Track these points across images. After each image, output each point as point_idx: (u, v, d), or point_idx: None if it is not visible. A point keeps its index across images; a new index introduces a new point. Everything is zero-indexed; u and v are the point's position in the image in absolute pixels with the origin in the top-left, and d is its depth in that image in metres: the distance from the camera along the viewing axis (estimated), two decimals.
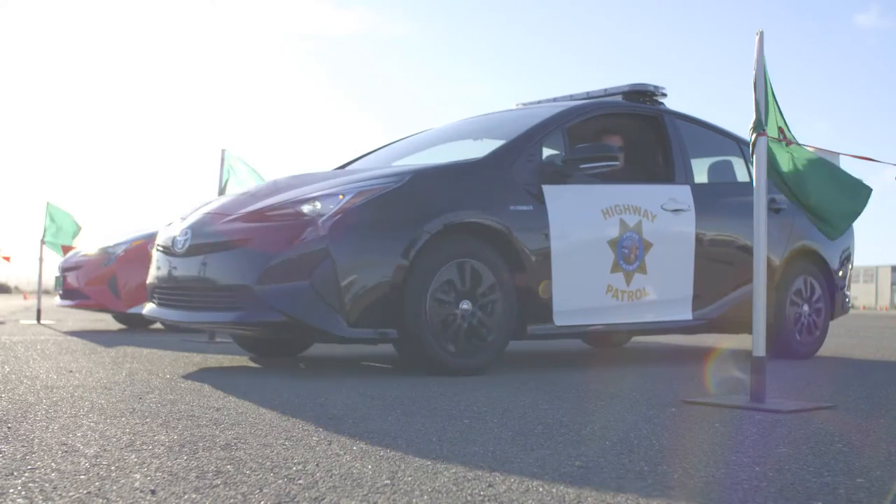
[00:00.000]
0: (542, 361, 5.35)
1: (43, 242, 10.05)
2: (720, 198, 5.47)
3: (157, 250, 4.59)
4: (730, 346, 6.73)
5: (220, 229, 4.16)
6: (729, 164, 5.87)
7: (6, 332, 7.25)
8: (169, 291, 4.39)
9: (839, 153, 3.41)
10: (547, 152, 5.03)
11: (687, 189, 5.19)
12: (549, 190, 4.52)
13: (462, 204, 4.22)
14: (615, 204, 4.76)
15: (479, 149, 4.96)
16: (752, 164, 5.73)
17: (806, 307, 5.79)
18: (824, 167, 3.38)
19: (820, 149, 3.44)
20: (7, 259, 11.83)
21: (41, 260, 10.26)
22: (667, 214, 5.00)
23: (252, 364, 4.68)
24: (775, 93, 3.34)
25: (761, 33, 3.27)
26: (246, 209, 4.21)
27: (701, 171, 5.75)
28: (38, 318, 9.71)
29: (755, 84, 3.27)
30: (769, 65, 3.32)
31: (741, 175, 5.80)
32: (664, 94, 5.64)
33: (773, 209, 5.58)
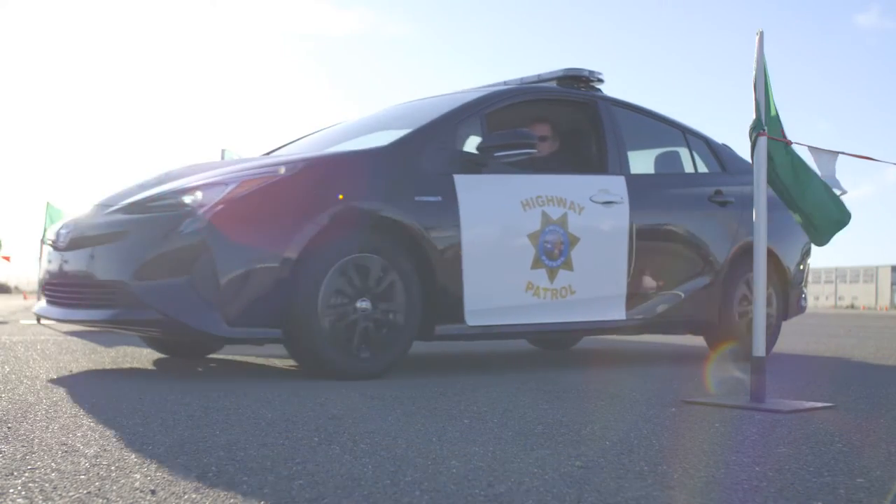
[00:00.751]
0: (543, 361, 5.35)
1: (43, 242, 10.06)
2: (659, 189, 5.19)
3: (46, 244, 4.40)
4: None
5: (99, 222, 3.93)
6: (676, 155, 5.60)
7: (6, 332, 7.25)
8: (54, 287, 4.19)
9: (838, 152, 3.40)
10: (477, 141, 4.72)
11: (621, 180, 4.89)
12: (461, 180, 4.22)
13: (361, 194, 3.93)
14: (537, 195, 4.46)
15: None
16: (695, 156, 5.50)
17: None
18: (816, 174, 3.39)
19: (819, 148, 3.44)
20: (7, 259, 11.82)
21: (41, 260, 10.26)
22: (597, 207, 4.70)
23: (252, 364, 4.68)
24: (771, 93, 3.34)
25: (761, 33, 3.27)
26: (128, 200, 3.96)
27: (647, 162, 5.56)
28: (38, 319, 9.70)
29: (755, 84, 3.27)
30: (771, 65, 3.32)
31: (689, 166, 5.57)
32: (600, 80, 5.32)
33: (718, 202, 5.36)
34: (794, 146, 3.38)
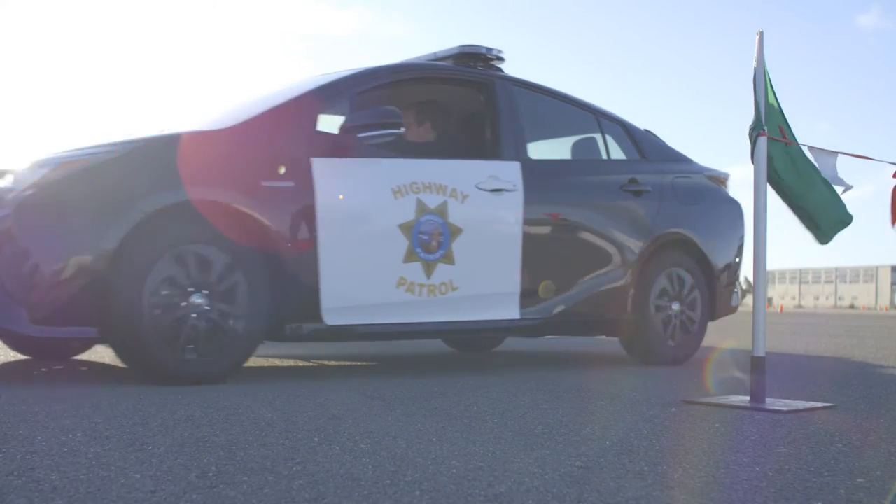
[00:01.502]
0: (543, 361, 5.35)
1: None
2: (561, 177, 4.77)
3: None
4: (730, 347, 6.73)
5: None
6: (593, 142, 5.16)
7: None
8: None
9: (837, 152, 3.40)
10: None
11: (515, 166, 4.44)
12: (320, 164, 3.84)
13: (197, 179, 3.55)
14: (411, 181, 4.05)
15: None
16: (609, 142, 5.16)
17: (676, 305, 5.00)
18: (819, 173, 3.39)
19: (817, 148, 3.44)
20: None
21: None
22: (483, 195, 4.27)
23: (251, 364, 4.68)
24: (775, 92, 3.34)
25: (761, 33, 3.27)
26: None
27: (564, 150, 5.28)
28: None
29: (755, 84, 3.27)
30: (771, 65, 3.33)
31: (603, 152, 5.16)
32: (500, 58, 4.83)
33: (633, 191, 4.93)
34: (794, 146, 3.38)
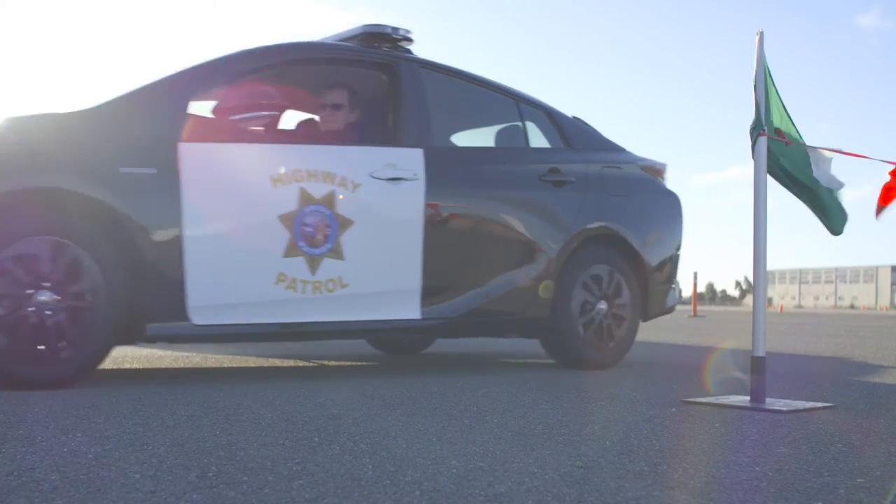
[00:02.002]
0: (542, 361, 5.35)
1: None
2: (470, 165, 4.42)
3: None
4: (730, 347, 6.73)
5: None
6: (512, 129, 4.83)
7: None
8: None
9: (834, 150, 3.40)
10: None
11: (417, 153, 4.11)
12: (188, 149, 3.55)
13: (43, 165, 3.32)
14: (294, 169, 3.75)
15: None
16: (531, 129, 4.82)
17: (603, 304, 4.63)
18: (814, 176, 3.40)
19: (816, 147, 3.44)
20: None
21: None
22: (378, 184, 3.95)
23: (252, 364, 4.68)
24: (779, 92, 3.34)
25: (761, 33, 3.27)
26: None
27: (487, 139, 4.96)
28: None
29: (755, 84, 3.27)
30: (771, 65, 3.33)
31: (523, 140, 4.82)
32: (408, 39, 4.45)
33: (553, 181, 4.57)
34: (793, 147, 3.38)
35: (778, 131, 3.33)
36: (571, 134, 4.89)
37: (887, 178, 3.45)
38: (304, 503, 1.63)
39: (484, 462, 2.05)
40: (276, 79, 4.31)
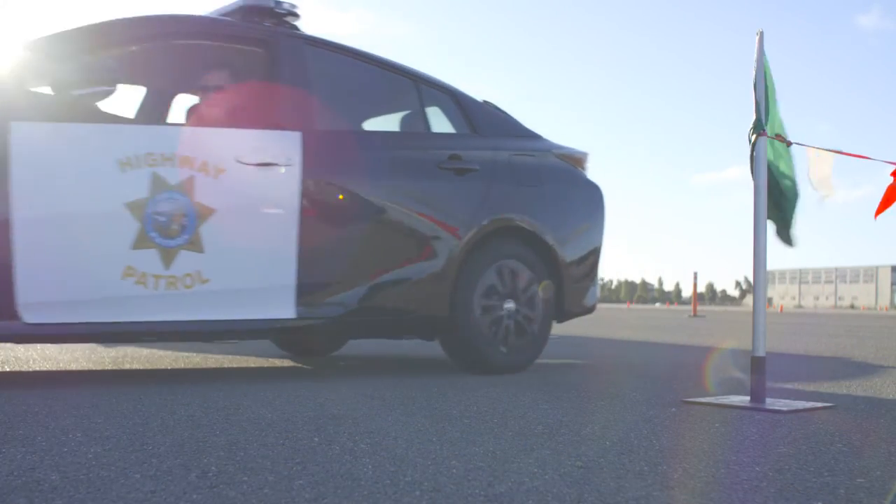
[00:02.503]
0: (542, 362, 5.35)
1: None
2: (357, 151, 4.05)
3: None
4: (730, 347, 6.73)
5: None
6: (416, 114, 4.49)
7: None
8: None
9: (835, 151, 3.40)
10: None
11: (294, 137, 3.78)
12: (21, 129, 3.24)
13: None
14: (146, 152, 3.42)
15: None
16: (433, 113, 4.45)
17: (511, 304, 4.28)
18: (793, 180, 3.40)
19: (817, 148, 3.43)
20: None
21: None
22: (245, 169, 3.63)
23: (252, 365, 4.68)
24: (773, 93, 3.34)
25: (761, 33, 3.27)
26: None
27: (383, 122, 4.72)
28: None
29: (755, 84, 3.27)
30: (773, 65, 3.33)
31: (434, 126, 4.46)
32: (293, 14, 4.13)
33: (455, 169, 4.21)
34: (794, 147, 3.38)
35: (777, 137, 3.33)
36: (479, 119, 4.54)
37: (889, 179, 3.44)
38: (304, 503, 1.63)
39: (484, 462, 2.05)
40: (143, 55, 3.97)
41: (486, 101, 4.69)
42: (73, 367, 4.26)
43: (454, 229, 4.13)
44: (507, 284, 4.28)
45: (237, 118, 4.03)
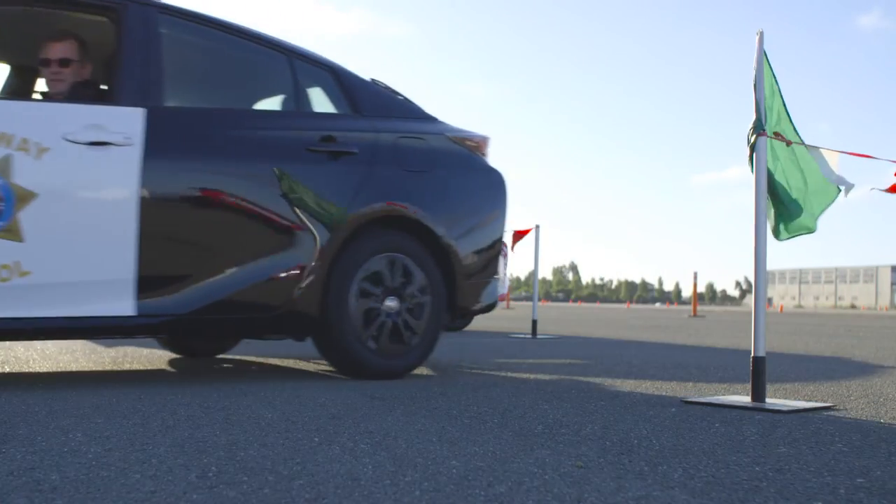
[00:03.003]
0: (542, 361, 5.35)
1: None
2: (211, 130, 3.65)
3: None
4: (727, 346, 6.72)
5: None
6: (287, 91, 4.14)
7: None
8: None
9: (838, 151, 3.40)
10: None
11: (136, 114, 3.43)
12: None
13: None
14: None
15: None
16: (308, 91, 4.09)
17: (393, 301, 3.89)
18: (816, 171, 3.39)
19: (819, 147, 3.44)
20: None
21: None
22: (75, 149, 3.28)
23: (252, 365, 4.68)
24: (782, 93, 3.35)
25: (761, 33, 3.27)
26: None
27: (250, 100, 4.34)
28: None
29: (755, 84, 3.27)
30: (773, 65, 3.33)
31: (309, 105, 4.12)
32: None
33: (329, 152, 3.83)
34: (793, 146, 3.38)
35: (777, 134, 3.33)
36: (362, 99, 4.13)
37: (891, 178, 3.45)
38: (304, 503, 1.63)
39: (484, 462, 2.05)
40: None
41: (374, 80, 4.30)
42: (73, 367, 4.26)
43: (326, 218, 3.75)
44: (389, 280, 3.90)
45: (73, 92, 3.67)
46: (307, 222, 3.72)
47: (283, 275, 3.67)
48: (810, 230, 3.38)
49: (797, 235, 3.42)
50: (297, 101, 4.08)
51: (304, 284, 3.69)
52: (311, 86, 4.13)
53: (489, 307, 4.35)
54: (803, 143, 3.39)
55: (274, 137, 3.80)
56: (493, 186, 4.38)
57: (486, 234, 4.30)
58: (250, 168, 3.65)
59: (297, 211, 3.71)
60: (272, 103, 4.25)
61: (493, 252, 4.32)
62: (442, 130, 4.31)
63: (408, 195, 4.00)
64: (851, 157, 3.49)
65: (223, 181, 3.57)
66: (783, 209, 3.35)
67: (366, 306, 3.83)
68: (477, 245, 4.23)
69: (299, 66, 4.06)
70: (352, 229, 3.81)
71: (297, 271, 3.69)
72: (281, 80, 4.11)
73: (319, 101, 4.15)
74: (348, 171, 3.86)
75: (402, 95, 4.36)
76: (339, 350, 3.81)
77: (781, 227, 3.38)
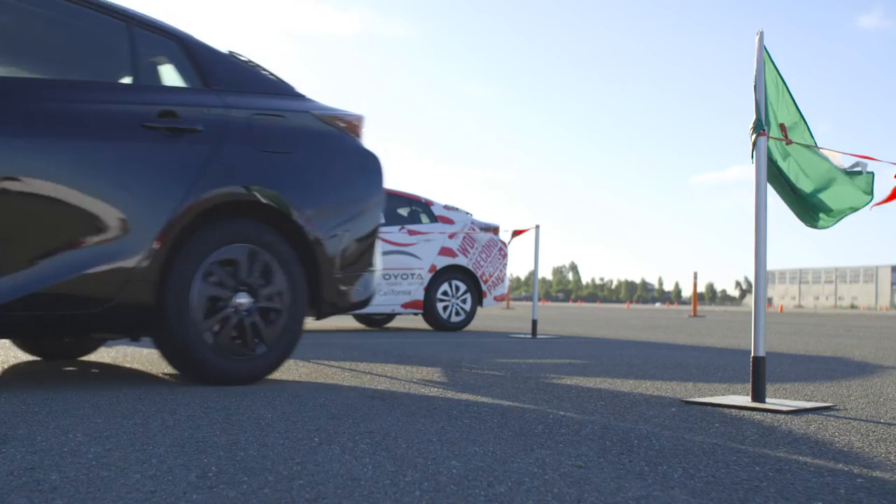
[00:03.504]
0: (542, 362, 5.35)
1: None
2: (27, 104, 3.24)
3: None
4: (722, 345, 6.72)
5: None
6: (122, 62, 3.69)
7: None
8: None
9: (840, 152, 3.41)
10: None
11: None
12: None
13: None
14: None
15: None
16: (150, 63, 3.64)
17: (244, 297, 3.54)
18: (826, 162, 3.38)
19: (820, 148, 3.44)
20: None
21: None
22: None
23: None
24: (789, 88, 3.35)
25: (761, 33, 3.28)
26: None
27: (80, 71, 3.84)
28: None
29: (755, 84, 3.28)
30: (778, 62, 3.33)
31: (149, 78, 3.68)
32: None
33: (168, 129, 3.46)
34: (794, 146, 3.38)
35: (782, 127, 3.32)
36: (214, 72, 3.76)
37: (892, 180, 3.44)
38: (304, 503, 1.63)
39: (484, 462, 2.05)
40: None
41: (231, 52, 3.94)
42: (73, 367, 4.26)
43: (162, 203, 3.36)
44: (245, 274, 3.56)
45: None
46: (140, 207, 3.34)
47: (109, 266, 3.27)
48: (854, 208, 3.35)
49: (842, 217, 3.40)
50: (136, 72, 3.64)
51: (136, 275, 3.30)
52: (153, 56, 3.72)
53: (363, 303, 3.99)
54: (803, 144, 3.39)
55: (101, 111, 3.40)
56: (366, 170, 4.03)
57: (359, 223, 3.94)
58: (71, 145, 3.25)
59: (129, 194, 3.33)
60: (106, 75, 3.78)
61: (367, 242, 3.98)
62: (308, 108, 3.95)
63: (263, 178, 3.62)
64: (851, 157, 3.49)
65: (37, 160, 3.16)
66: (804, 203, 3.34)
67: (211, 302, 3.47)
68: (347, 235, 3.87)
69: (139, 35, 3.65)
70: (195, 215, 3.43)
71: (128, 261, 3.29)
72: (116, 49, 3.66)
73: (166, 74, 3.76)
74: (192, 150, 3.48)
75: (266, 70, 3.98)
76: (181, 352, 3.44)
77: (821, 216, 3.36)
